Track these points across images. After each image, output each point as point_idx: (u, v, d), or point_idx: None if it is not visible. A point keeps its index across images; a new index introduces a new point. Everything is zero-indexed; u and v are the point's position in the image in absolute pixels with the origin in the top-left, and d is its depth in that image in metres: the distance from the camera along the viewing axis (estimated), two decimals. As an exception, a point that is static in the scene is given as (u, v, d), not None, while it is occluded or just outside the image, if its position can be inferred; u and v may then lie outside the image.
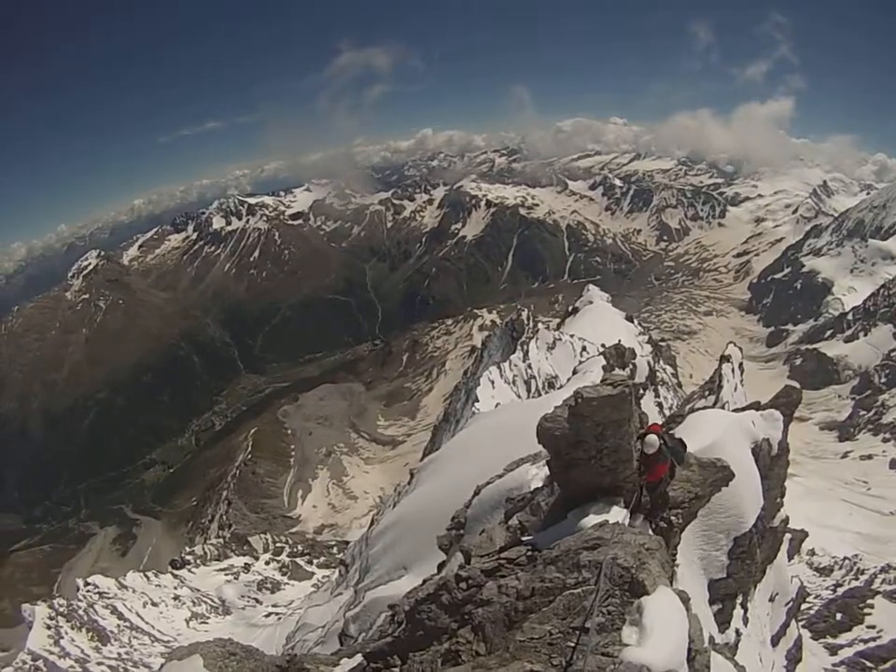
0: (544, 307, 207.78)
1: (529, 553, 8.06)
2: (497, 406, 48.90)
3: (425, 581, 10.53)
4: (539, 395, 54.99)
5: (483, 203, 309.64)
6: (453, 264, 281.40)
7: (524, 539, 9.12)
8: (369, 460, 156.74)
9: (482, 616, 7.08)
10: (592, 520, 8.33)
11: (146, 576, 66.94)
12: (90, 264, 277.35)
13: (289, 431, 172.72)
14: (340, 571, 38.48)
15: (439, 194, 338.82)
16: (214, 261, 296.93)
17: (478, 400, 57.84)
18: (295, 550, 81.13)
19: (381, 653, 8.30)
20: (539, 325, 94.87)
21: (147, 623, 56.19)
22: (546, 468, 11.93)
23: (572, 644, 5.92)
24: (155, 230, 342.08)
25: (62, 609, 51.83)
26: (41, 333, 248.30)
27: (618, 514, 8.51)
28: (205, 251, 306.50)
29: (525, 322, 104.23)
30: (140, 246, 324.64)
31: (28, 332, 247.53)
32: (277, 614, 55.11)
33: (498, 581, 7.53)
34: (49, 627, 50.21)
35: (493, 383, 62.43)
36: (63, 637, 48.70)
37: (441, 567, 16.04)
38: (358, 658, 8.98)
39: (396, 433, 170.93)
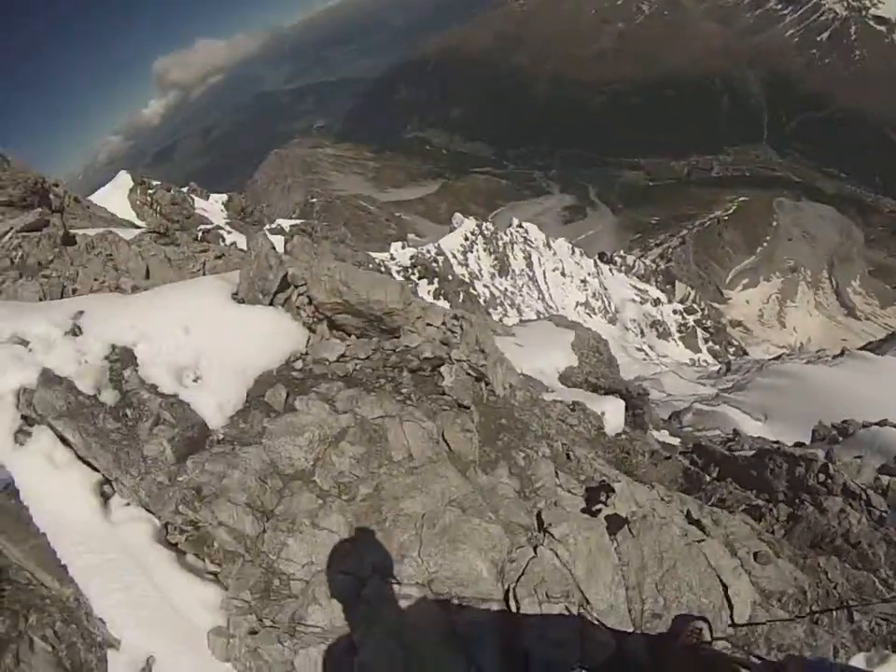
0: None
1: None
2: None
3: None
4: None
5: None
6: None
7: None
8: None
9: None
10: None
11: (573, 250, 70.08)
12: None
13: (774, 223, 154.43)
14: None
15: None
16: (778, 19, 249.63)
17: None
18: (706, 320, 76.52)
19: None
20: None
21: (545, 283, 60.07)
22: None
23: None
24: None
25: (486, 232, 57.75)
26: (576, 11, 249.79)
27: None
28: (770, 4, 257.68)
29: None
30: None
31: (563, 4, 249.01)
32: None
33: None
34: (466, 238, 57.04)
35: None
36: (471, 252, 54.91)
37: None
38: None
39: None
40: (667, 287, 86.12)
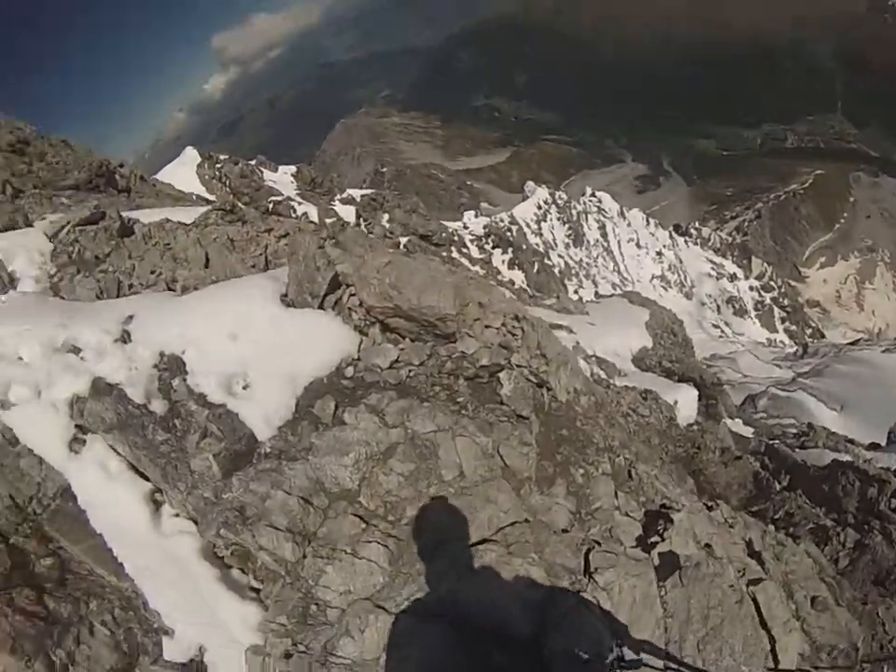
0: None
1: None
2: None
3: None
4: None
5: None
6: None
7: None
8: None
9: None
10: None
11: (647, 220, 68.18)
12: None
13: (851, 199, 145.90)
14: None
15: None
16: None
17: None
18: (783, 299, 73.46)
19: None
20: None
21: (620, 255, 58.71)
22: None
23: None
24: None
25: (559, 202, 56.77)
26: None
27: None
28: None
29: None
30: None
31: None
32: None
33: None
34: (539, 207, 56.07)
35: None
36: (544, 221, 53.96)
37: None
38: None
39: None
40: (744, 261, 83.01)
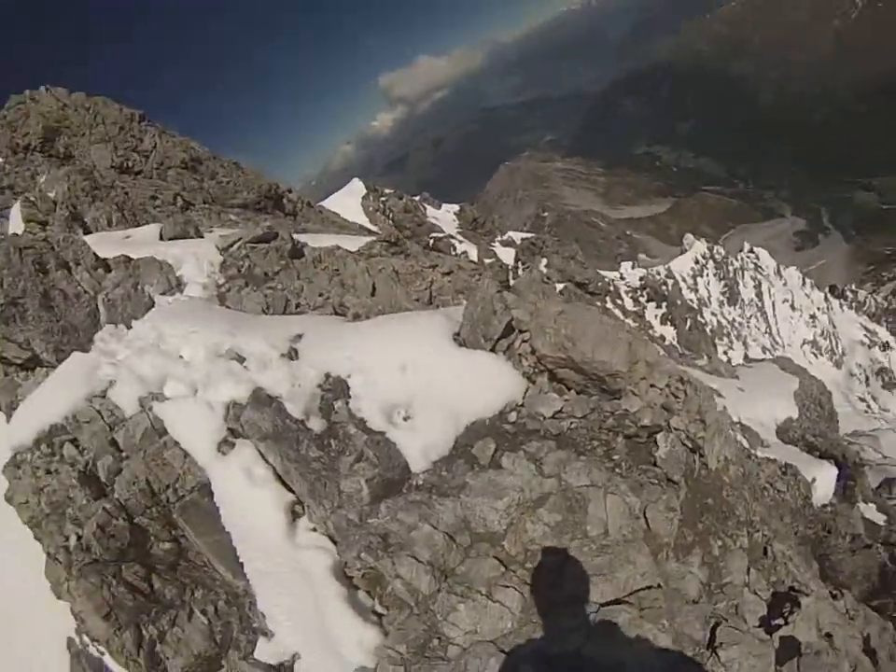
0: None
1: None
2: None
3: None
4: None
5: None
6: None
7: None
8: None
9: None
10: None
11: (804, 280, 63.68)
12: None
13: None
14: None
15: None
16: None
17: None
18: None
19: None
20: None
21: (773, 316, 55.40)
22: None
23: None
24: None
25: (717, 256, 54.30)
26: (790, 10, 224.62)
27: None
28: None
29: None
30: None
31: (774, 4, 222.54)
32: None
33: None
34: (696, 262, 53.75)
35: None
36: (701, 276, 51.85)
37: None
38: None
39: None
40: None
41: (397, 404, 5.32)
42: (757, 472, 10.74)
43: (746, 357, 46.12)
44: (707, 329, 50.10)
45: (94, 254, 8.42)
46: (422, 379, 5.36)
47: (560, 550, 4.46)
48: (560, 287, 27.71)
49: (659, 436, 5.39)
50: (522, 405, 5.36)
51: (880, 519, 14.39)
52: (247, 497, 5.39)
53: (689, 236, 65.23)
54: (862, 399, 53.92)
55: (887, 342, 65.21)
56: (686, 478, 5.49)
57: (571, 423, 5.24)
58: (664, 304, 43.07)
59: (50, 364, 7.45)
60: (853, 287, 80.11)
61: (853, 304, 73.17)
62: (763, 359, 28.09)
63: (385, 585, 4.51)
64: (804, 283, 67.52)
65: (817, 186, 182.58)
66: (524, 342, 5.61)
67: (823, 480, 11.74)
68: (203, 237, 11.96)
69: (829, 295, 69.68)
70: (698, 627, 4.43)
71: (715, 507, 5.62)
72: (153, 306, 7.94)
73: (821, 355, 61.20)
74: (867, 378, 59.07)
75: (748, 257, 65.13)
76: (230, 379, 5.98)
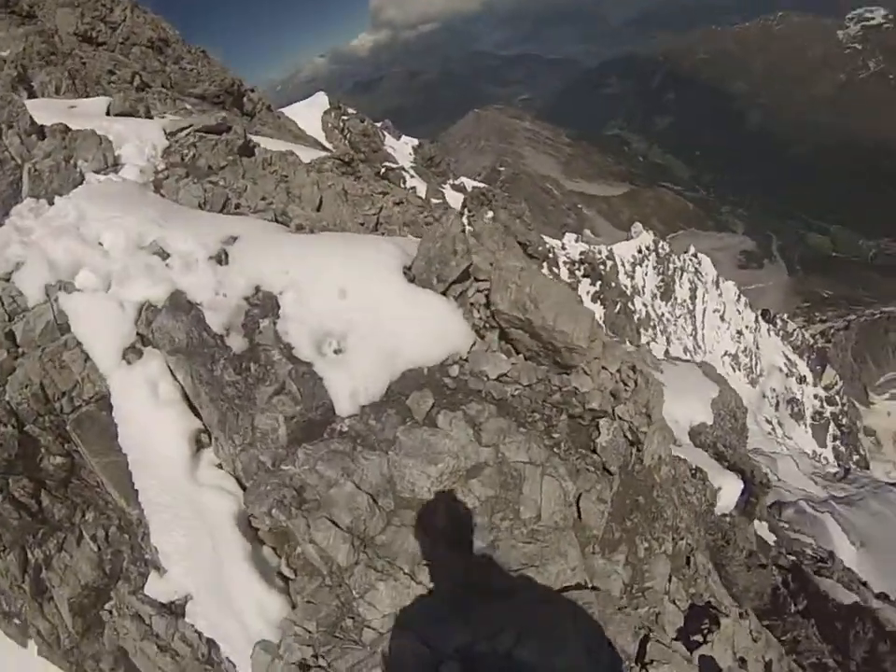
0: None
1: None
2: None
3: None
4: None
5: None
6: None
7: None
8: None
9: None
10: None
11: (739, 297, 66.63)
12: (874, 19, 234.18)
13: None
14: None
15: None
16: None
17: None
18: (842, 417, 69.95)
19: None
20: None
21: (702, 322, 57.70)
22: None
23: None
24: None
25: (661, 251, 56.55)
26: (803, 48, 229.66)
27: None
28: None
29: None
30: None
31: (792, 38, 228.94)
32: None
33: None
34: (639, 251, 55.38)
35: None
36: (640, 265, 53.71)
37: None
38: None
39: None
40: (817, 367, 79.16)
41: (329, 333, 4.76)
42: (683, 476, 10.91)
43: (667, 352, 47.48)
44: (635, 317, 51.31)
45: (31, 118, 7.53)
46: (362, 309, 4.79)
47: (490, 529, 4.06)
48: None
49: (602, 422, 5.05)
50: (465, 360, 4.87)
51: (770, 539, 15.14)
52: (149, 416, 4.85)
53: (638, 225, 66.20)
54: (769, 422, 56.89)
55: (804, 376, 68.93)
56: (621, 470, 5.20)
57: (515, 389, 4.78)
58: (598, 283, 43.69)
59: None
60: (785, 317, 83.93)
61: (781, 332, 76.67)
62: (687, 360, 29.03)
63: (293, 545, 4.01)
64: (738, 299, 70.05)
65: (775, 214, 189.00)
66: (479, 291, 5.10)
67: (728, 491, 12.05)
68: (151, 119, 10.90)
69: (760, 317, 72.65)
70: (629, 639, 4.22)
71: (645, 506, 5.43)
72: (82, 183, 7.17)
73: (739, 370, 63.96)
74: (778, 403, 62.38)
75: (690, 260, 66.82)
76: (148, 276, 5.39)
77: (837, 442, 66.13)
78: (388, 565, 3.78)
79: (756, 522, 14.92)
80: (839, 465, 47.89)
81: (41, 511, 5.25)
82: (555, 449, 4.64)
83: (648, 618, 4.72)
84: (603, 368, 5.24)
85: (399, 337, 4.70)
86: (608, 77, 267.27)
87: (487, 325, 5.04)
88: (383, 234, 10.41)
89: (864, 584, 12.93)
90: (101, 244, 5.75)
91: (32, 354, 5.23)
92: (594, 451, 4.92)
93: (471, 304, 5.04)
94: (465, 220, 28.45)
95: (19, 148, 7.25)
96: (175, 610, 4.79)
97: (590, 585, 4.42)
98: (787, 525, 20.05)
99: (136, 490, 4.74)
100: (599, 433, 4.97)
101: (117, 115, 10.37)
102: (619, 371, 5.46)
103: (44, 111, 8.53)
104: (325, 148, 27.40)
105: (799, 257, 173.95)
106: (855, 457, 66.48)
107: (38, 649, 5.70)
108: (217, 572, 4.25)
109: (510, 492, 4.23)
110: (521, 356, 5.04)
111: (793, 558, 13.14)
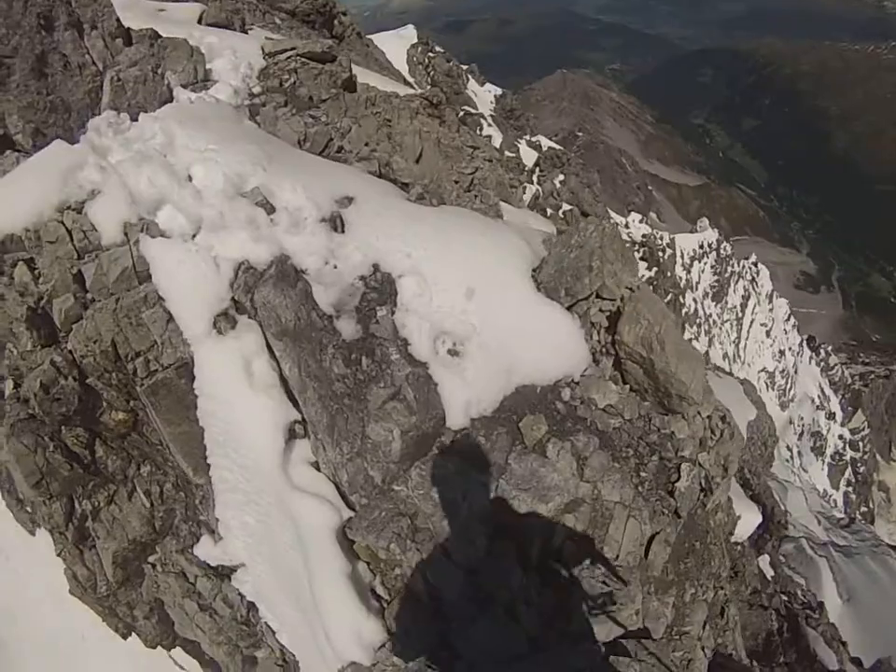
0: None
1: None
2: None
3: None
4: None
5: None
6: None
7: None
8: None
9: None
10: None
11: (789, 317, 65.63)
12: None
13: None
14: None
15: None
16: None
17: None
18: (860, 465, 68.96)
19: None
20: None
21: (747, 332, 56.94)
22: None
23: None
24: None
25: (722, 252, 57.28)
26: None
27: None
28: None
29: None
30: None
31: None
32: None
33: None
34: (700, 246, 55.87)
35: None
36: (698, 261, 54.33)
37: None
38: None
39: None
40: (849, 408, 77.78)
41: (448, 332, 4.44)
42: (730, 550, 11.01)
43: (706, 354, 46.93)
44: (683, 311, 50.64)
45: (118, 19, 6.86)
46: (486, 313, 4.48)
47: (574, 565, 4.07)
48: (566, 207, 27.05)
49: (684, 466, 4.98)
50: (577, 383, 4.69)
51: (769, 572, 15.18)
52: (238, 397, 4.35)
53: (705, 220, 64.78)
54: (789, 449, 56.38)
55: (834, 413, 67.80)
56: (689, 514, 5.19)
57: (618, 422, 4.68)
58: (654, 269, 42.96)
59: (24, 150, 5.95)
60: (829, 349, 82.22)
61: (822, 363, 75.24)
62: (730, 373, 28.65)
63: (391, 566, 3.90)
64: (788, 318, 68.79)
65: (842, 244, 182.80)
66: (601, 311, 4.86)
67: (746, 522, 12.07)
68: (246, 34, 10.18)
69: (805, 343, 71.30)
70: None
71: (699, 551, 5.46)
72: (170, 101, 6.44)
73: (772, 390, 63.17)
74: (802, 433, 61.66)
75: (750, 267, 65.54)
76: (248, 230, 4.66)
77: (850, 489, 65.42)
78: (488, 599, 3.74)
79: (759, 555, 15.00)
80: (846, 512, 47.57)
81: (94, 462, 4.86)
82: (640, 488, 4.62)
83: (681, 663, 4.79)
84: (698, 413, 5.14)
85: (520, 350, 4.47)
86: (703, 65, 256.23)
87: (604, 350, 4.85)
88: (476, 196, 10.16)
89: (844, 644, 13.04)
90: (190, 178, 5.01)
91: (104, 304, 4.54)
92: (670, 493, 4.88)
93: (592, 323, 4.84)
94: (535, 179, 28.00)
95: (102, 52, 6.67)
96: (222, 573, 4.72)
97: (641, 625, 4.47)
98: (783, 559, 20.14)
99: (208, 464, 4.46)
100: (679, 477, 4.92)
101: (209, 25, 9.67)
102: (709, 417, 5.36)
103: (130, 11, 7.96)
104: (406, 82, 26.92)
105: (857, 293, 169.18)
106: (863, 508, 65.80)
107: (70, 588, 5.39)
108: (296, 575, 4.11)
109: (598, 530, 4.21)
110: (628, 386, 4.92)
111: (786, 598, 13.22)
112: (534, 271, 4.86)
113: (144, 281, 4.62)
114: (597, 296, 4.86)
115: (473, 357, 4.37)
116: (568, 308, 4.73)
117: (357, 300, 4.52)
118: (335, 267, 4.60)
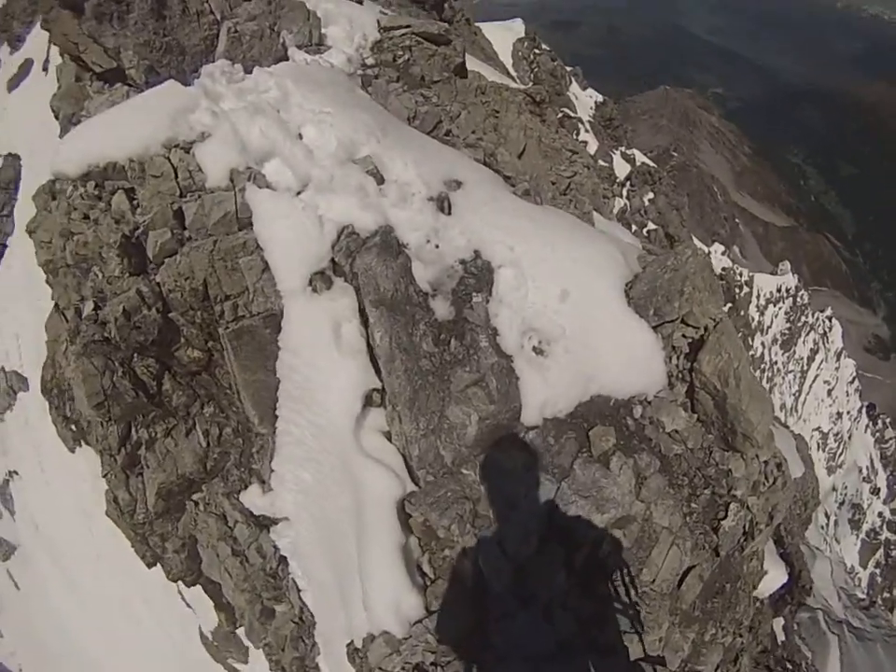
0: None
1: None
2: None
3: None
4: None
5: None
6: None
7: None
8: None
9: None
10: None
11: (854, 379, 63.60)
12: None
13: None
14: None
15: None
16: None
17: None
18: (893, 550, 66.62)
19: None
20: None
21: (808, 388, 55.49)
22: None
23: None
24: None
25: (798, 300, 54.62)
26: None
27: None
28: None
29: None
30: None
31: None
32: None
33: None
34: (778, 290, 53.72)
35: None
36: (773, 305, 52.55)
37: None
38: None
39: None
40: (895, 487, 75.04)
41: (538, 330, 4.54)
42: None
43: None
44: (749, 353, 49.51)
45: None
46: (577, 318, 4.57)
47: (612, 581, 4.20)
48: (651, 226, 26.74)
49: (732, 506, 5.03)
50: (650, 402, 4.78)
51: (780, 636, 14.92)
52: (323, 358, 4.46)
53: (787, 264, 62.92)
54: (826, 516, 54.79)
55: (879, 489, 65.50)
56: (726, 555, 5.22)
57: (680, 449, 4.75)
58: (728, 305, 42.05)
59: (136, 85, 6.21)
60: (888, 421, 79.29)
61: (877, 434, 72.64)
62: (786, 426, 28.08)
63: (441, 546, 4.05)
64: (853, 381, 66.56)
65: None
66: (684, 336, 4.92)
67: (771, 579, 11.89)
68: (361, 4, 10.41)
69: (865, 409, 68.92)
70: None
71: (728, 593, 5.49)
72: (285, 59, 6.63)
73: (823, 451, 61.39)
74: (843, 502, 59.80)
75: (824, 321, 63.45)
76: (358, 196, 4.77)
77: (878, 570, 63.21)
78: (531, 597, 3.87)
79: (775, 619, 14.70)
80: (868, 593, 45.98)
81: (159, 394, 4.94)
82: (688, 518, 4.68)
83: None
84: (756, 457, 5.15)
85: (603, 360, 4.55)
86: (808, 103, 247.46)
87: (680, 376, 4.91)
88: (571, 201, 10.13)
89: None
90: (301, 136, 5.15)
91: (201, 244, 4.66)
92: (715, 530, 4.92)
93: (673, 347, 4.90)
94: (625, 193, 27.66)
95: (220, 3, 6.86)
96: (262, 523, 4.86)
97: (660, 653, 4.56)
98: (797, 627, 19.69)
99: (276, 416, 4.58)
100: (726, 516, 4.95)
101: (328, -9, 9.83)
102: (766, 462, 5.36)
103: (252, -32, 7.95)
104: (509, 75, 26.84)
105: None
106: (886, 595, 63.56)
107: (106, 510, 5.56)
108: (341, 537, 4.25)
109: (642, 550, 4.31)
110: (696, 415, 4.97)
111: (790, 667, 13.02)
112: (627, 285, 4.94)
113: (244, 228, 4.77)
114: (683, 321, 4.92)
115: (557, 359, 4.47)
116: (654, 328, 4.80)
117: (455, 282, 4.66)
118: (437, 246, 4.73)
